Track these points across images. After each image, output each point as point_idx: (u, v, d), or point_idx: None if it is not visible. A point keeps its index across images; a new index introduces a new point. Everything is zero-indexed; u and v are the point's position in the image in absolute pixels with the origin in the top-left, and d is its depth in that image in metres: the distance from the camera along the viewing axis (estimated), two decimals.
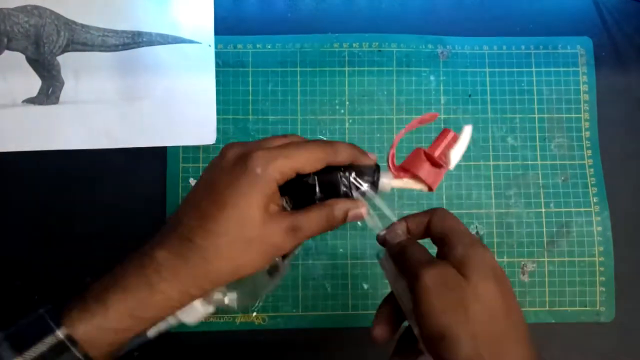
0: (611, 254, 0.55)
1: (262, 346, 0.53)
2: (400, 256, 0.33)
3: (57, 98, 0.54)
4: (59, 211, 0.53)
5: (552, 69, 0.58)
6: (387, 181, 0.34)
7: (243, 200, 0.31)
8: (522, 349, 0.29)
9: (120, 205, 0.54)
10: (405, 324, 0.34)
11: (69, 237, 0.53)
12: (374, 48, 0.57)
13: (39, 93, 0.54)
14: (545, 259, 0.55)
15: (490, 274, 0.30)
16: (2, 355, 0.28)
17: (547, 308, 0.54)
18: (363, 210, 0.33)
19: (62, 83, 0.54)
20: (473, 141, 0.56)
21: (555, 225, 0.55)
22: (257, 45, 0.57)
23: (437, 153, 0.34)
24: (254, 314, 0.53)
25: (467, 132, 0.34)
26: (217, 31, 0.56)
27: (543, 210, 0.56)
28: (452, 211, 0.54)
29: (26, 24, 0.54)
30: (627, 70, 0.58)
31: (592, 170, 0.56)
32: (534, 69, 0.58)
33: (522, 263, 0.55)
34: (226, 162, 0.32)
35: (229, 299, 0.34)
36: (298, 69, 0.57)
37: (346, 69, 0.57)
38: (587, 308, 0.54)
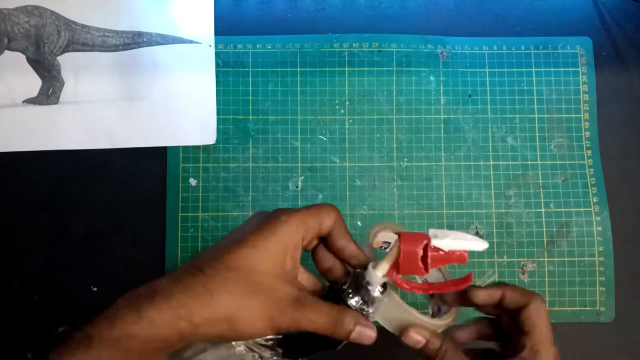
0: (611, 254, 0.55)
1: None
2: None
3: (57, 98, 0.54)
4: (59, 211, 0.53)
5: (552, 69, 0.58)
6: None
7: (262, 242, 0.30)
8: None
9: (120, 205, 0.54)
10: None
11: (68, 237, 0.53)
12: (374, 48, 0.57)
13: (39, 93, 0.54)
14: (545, 259, 0.55)
15: None
16: None
17: (547, 308, 0.54)
18: (373, 334, 0.31)
19: (63, 83, 0.54)
20: (473, 141, 0.56)
21: (555, 225, 0.55)
22: (257, 45, 0.57)
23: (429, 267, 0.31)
24: None
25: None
26: (217, 31, 0.56)
27: (543, 210, 0.56)
28: (452, 211, 0.55)
29: (26, 24, 0.54)
30: (627, 70, 0.58)
31: (592, 170, 0.56)
32: (533, 69, 0.58)
33: (522, 263, 0.55)
34: (255, 216, 0.32)
35: None
36: (298, 69, 0.57)
37: (346, 69, 0.57)
38: (587, 308, 0.54)
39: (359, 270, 0.33)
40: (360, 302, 0.32)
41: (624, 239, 0.55)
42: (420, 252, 0.31)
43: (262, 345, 0.32)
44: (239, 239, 0.30)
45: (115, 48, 0.55)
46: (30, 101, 0.54)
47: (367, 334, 0.31)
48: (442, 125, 0.56)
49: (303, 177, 0.55)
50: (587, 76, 0.58)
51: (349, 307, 0.32)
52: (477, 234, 0.55)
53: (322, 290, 0.35)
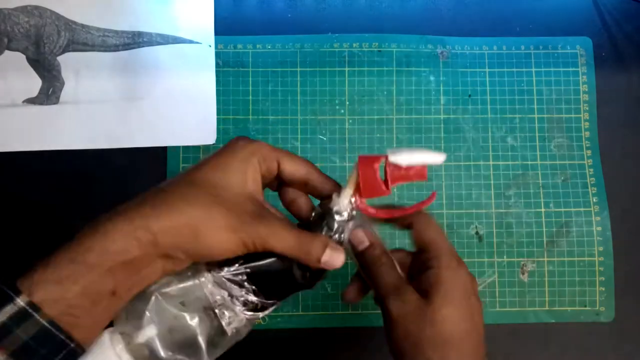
0: (611, 254, 0.55)
1: (262, 346, 0.53)
2: (367, 269, 0.34)
3: (58, 98, 0.54)
4: (59, 211, 0.53)
5: (552, 69, 0.58)
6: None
7: (223, 162, 0.31)
8: None
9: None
10: None
11: (68, 237, 0.53)
12: (374, 48, 0.57)
13: (39, 93, 0.54)
14: (545, 259, 0.55)
15: (456, 297, 0.32)
16: None
17: (546, 308, 0.54)
18: (342, 257, 0.32)
19: (63, 83, 0.54)
20: (473, 141, 0.56)
21: (555, 225, 0.55)
22: (257, 45, 0.57)
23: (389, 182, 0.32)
24: None
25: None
26: (217, 31, 0.56)
27: (543, 210, 0.56)
28: (452, 211, 0.55)
29: (26, 24, 0.54)
30: (627, 70, 0.58)
31: (592, 170, 0.56)
32: (533, 69, 0.58)
33: (522, 263, 0.55)
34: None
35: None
36: (298, 69, 0.57)
37: (346, 69, 0.57)
38: (587, 308, 0.54)
39: (324, 200, 0.33)
40: (328, 230, 0.32)
41: (624, 239, 0.55)
42: (379, 171, 0.31)
43: (231, 280, 0.30)
44: (199, 164, 0.31)
45: (115, 48, 0.55)
46: (30, 101, 0.54)
47: (338, 257, 0.31)
48: (442, 125, 0.57)
49: None
50: (587, 76, 0.58)
51: None
52: (477, 234, 0.55)
53: None
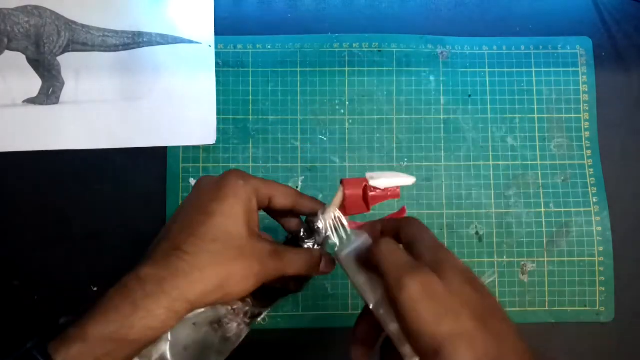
0: (611, 254, 0.55)
1: (262, 346, 0.53)
2: (375, 255, 0.31)
3: (58, 98, 0.54)
4: (59, 211, 0.53)
5: (552, 69, 0.58)
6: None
7: (229, 209, 0.32)
8: (519, 342, 0.28)
9: (120, 205, 0.54)
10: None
11: (68, 237, 0.53)
12: (374, 48, 0.57)
13: (39, 93, 0.54)
14: (545, 259, 0.55)
15: (464, 276, 0.29)
16: None
17: (547, 308, 0.54)
18: (334, 263, 0.36)
19: (63, 83, 0.54)
20: (473, 141, 0.56)
21: (555, 225, 0.55)
22: (257, 45, 0.57)
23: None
24: None
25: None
26: (217, 31, 0.56)
27: (543, 210, 0.56)
28: (452, 211, 0.55)
29: (26, 24, 0.54)
30: (627, 70, 0.58)
31: (592, 170, 0.56)
32: (533, 69, 0.58)
33: (522, 263, 0.55)
34: (208, 181, 0.34)
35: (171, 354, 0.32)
36: (298, 69, 0.57)
37: (346, 69, 0.57)
38: (587, 308, 0.54)
39: (311, 217, 0.37)
40: (315, 244, 0.37)
41: (624, 239, 0.55)
42: (361, 193, 0.36)
43: None
44: (205, 211, 0.31)
45: (115, 48, 0.55)
46: (30, 101, 0.54)
47: (331, 265, 0.36)
48: (442, 125, 0.57)
49: (303, 177, 0.55)
50: (587, 76, 0.58)
51: None
52: (477, 234, 0.55)
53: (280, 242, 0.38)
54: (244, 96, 0.56)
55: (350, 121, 0.56)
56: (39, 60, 0.54)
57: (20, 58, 0.54)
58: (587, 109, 0.57)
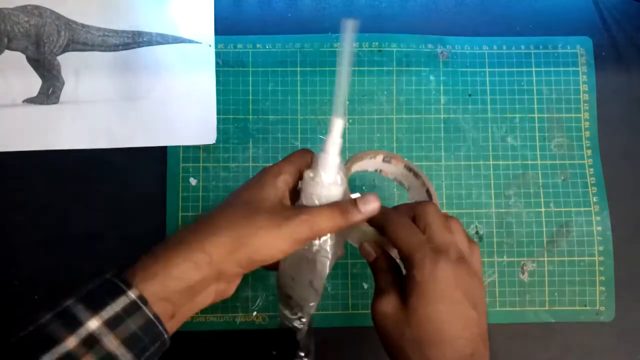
0: (611, 253, 0.55)
1: (262, 345, 0.53)
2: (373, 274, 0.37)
3: (57, 98, 0.54)
4: (59, 211, 0.53)
5: (552, 69, 0.58)
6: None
7: (257, 178, 0.35)
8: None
9: (120, 205, 0.54)
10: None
11: (68, 237, 0.53)
12: (374, 48, 0.57)
13: (39, 93, 0.54)
14: (545, 259, 0.55)
15: (435, 296, 0.33)
16: (79, 316, 0.28)
17: (547, 308, 0.54)
18: (373, 200, 0.35)
19: (63, 83, 0.54)
20: (473, 141, 0.56)
21: (555, 225, 0.55)
22: (257, 45, 0.57)
23: None
24: (255, 313, 0.53)
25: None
26: (217, 31, 0.56)
27: (543, 210, 0.56)
28: (452, 211, 0.55)
29: (26, 24, 0.54)
30: (627, 70, 0.58)
31: (592, 170, 0.56)
32: (533, 69, 0.58)
33: (522, 263, 0.55)
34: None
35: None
36: (298, 69, 0.57)
37: None
38: (587, 308, 0.54)
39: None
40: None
41: (624, 239, 0.55)
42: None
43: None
44: (256, 183, 0.35)
45: (115, 48, 0.55)
46: (30, 101, 0.54)
47: (372, 201, 0.35)
48: (442, 125, 0.57)
49: None
50: (587, 76, 0.58)
51: None
52: (477, 233, 0.55)
53: None
54: (244, 96, 0.56)
55: (350, 121, 0.56)
56: (39, 59, 0.54)
57: (20, 58, 0.54)
58: (587, 108, 0.57)
